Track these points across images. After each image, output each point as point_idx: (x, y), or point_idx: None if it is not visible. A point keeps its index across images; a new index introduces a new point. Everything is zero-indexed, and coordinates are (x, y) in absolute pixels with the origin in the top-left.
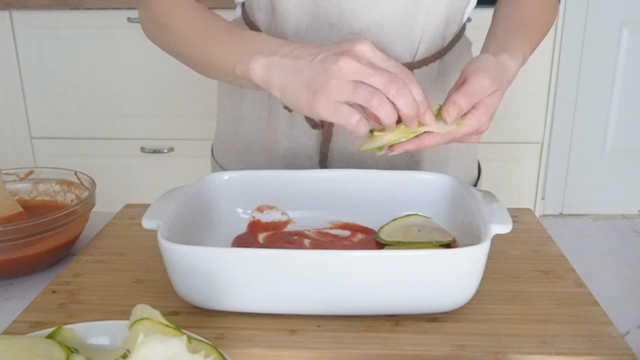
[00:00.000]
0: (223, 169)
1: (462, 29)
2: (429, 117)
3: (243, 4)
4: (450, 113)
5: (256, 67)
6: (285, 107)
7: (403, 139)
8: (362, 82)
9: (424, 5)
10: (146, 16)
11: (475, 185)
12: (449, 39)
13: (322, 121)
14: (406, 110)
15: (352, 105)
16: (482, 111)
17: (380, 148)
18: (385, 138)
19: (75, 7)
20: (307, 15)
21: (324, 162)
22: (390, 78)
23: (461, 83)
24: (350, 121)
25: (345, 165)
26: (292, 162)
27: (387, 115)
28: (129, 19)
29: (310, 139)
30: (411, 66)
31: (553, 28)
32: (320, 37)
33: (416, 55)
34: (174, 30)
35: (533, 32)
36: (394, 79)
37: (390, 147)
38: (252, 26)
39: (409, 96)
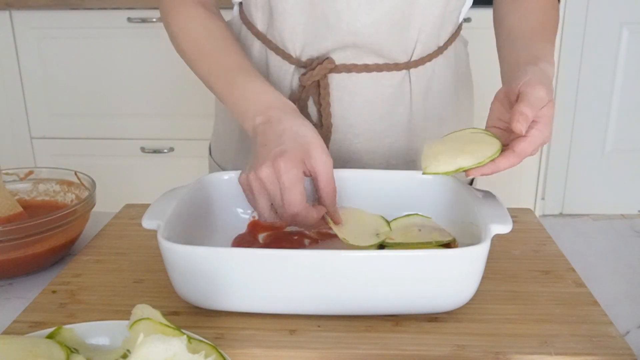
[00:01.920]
0: (221, 167)
1: (458, 28)
2: (335, 218)
3: (241, 3)
4: (522, 124)
5: (248, 128)
6: None
7: (476, 164)
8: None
9: (420, 5)
10: (165, 18)
11: (470, 184)
12: (444, 38)
13: (320, 120)
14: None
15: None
16: (544, 124)
17: (447, 173)
18: (458, 162)
19: (75, 7)
20: (304, 16)
21: None
22: (294, 210)
23: (515, 98)
24: (259, 201)
25: (342, 165)
26: None
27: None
28: (129, 19)
29: None
30: (407, 66)
31: None
32: (319, 36)
33: (412, 55)
34: (185, 52)
35: (552, 35)
36: (294, 212)
37: (467, 171)
38: (250, 26)
39: (309, 213)
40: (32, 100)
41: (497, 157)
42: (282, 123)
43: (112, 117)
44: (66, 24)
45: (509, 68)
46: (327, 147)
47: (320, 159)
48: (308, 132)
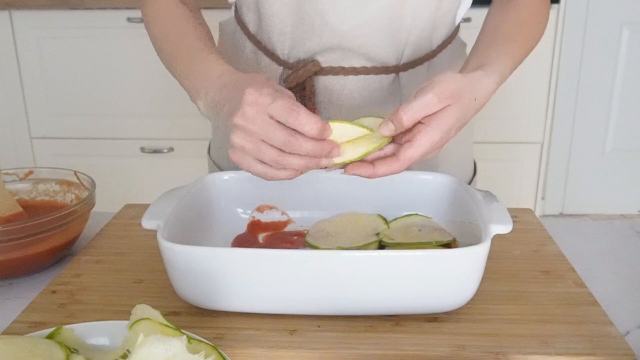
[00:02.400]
0: (219, 167)
1: (455, 31)
2: (336, 152)
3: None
4: (385, 127)
5: (200, 105)
6: None
7: (358, 156)
8: (263, 141)
9: (409, 7)
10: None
11: (469, 184)
12: (437, 41)
13: None
14: (312, 156)
15: None
16: (433, 126)
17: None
18: (347, 154)
19: (75, 7)
20: (291, 17)
21: None
22: (283, 138)
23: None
24: (252, 169)
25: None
26: None
27: (297, 168)
28: (129, 19)
29: None
30: (397, 69)
31: (553, 28)
32: (305, 38)
33: (402, 58)
34: (154, 40)
35: (517, 46)
36: (287, 138)
37: (345, 166)
38: (243, 26)
39: (306, 145)
40: (32, 100)
41: (379, 160)
42: (237, 83)
43: (112, 117)
44: (66, 24)
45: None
46: None
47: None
48: (257, 76)
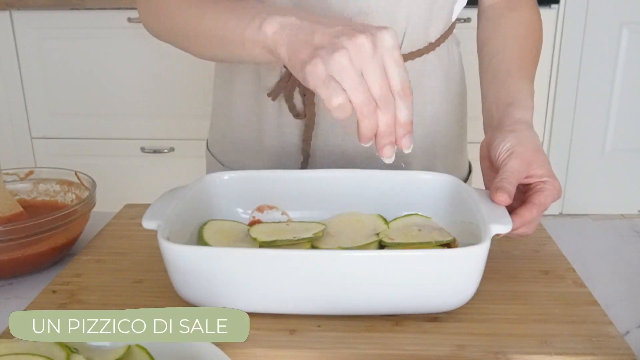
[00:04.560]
0: (217, 160)
1: (451, 27)
2: (405, 142)
3: None
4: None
5: (269, 27)
6: (269, 95)
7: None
8: (362, 76)
9: None
10: (143, 4)
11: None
12: (435, 35)
13: (304, 111)
14: (384, 129)
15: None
16: (537, 210)
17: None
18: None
19: (75, 7)
20: (291, 3)
21: (306, 150)
22: (386, 94)
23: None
24: (332, 100)
25: (328, 157)
26: (279, 152)
27: (366, 126)
28: (129, 19)
29: (295, 127)
30: None
31: (552, 28)
32: None
33: (401, 48)
34: (170, 6)
35: (531, 65)
36: (389, 99)
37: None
38: None
39: (391, 117)
40: (32, 100)
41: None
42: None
43: (112, 117)
44: (66, 24)
45: (488, 109)
46: (310, 137)
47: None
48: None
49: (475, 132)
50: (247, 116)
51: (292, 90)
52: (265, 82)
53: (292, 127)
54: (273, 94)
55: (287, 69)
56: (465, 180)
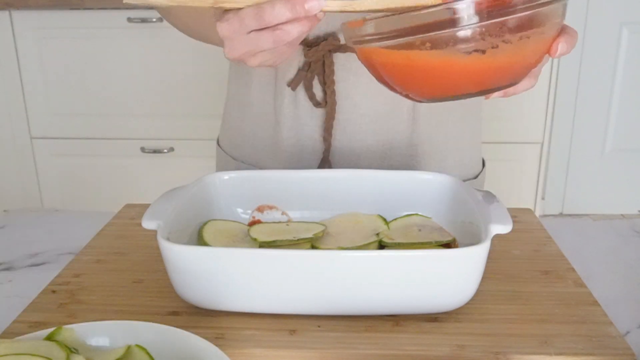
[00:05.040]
0: (229, 155)
1: None
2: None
3: None
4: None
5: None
6: (289, 84)
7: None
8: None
9: None
10: None
11: (477, 177)
12: None
13: (325, 99)
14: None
15: None
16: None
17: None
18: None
19: (75, 7)
20: None
21: (327, 140)
22: (259, 18)
23: None
24: (251, 61)
25: (347, 144)
26: (295, 144)
27: (298, 33)
28: (129, 19)
29: (312, 118)
30: None
31: None
32: (325, 17)
33: None
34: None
35: None
36: (259, 14)
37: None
38: None
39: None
40: (32, 100)
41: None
42: None
43: (112, 117)
44: (66, 24)
45: None
46: (332, 126)
47: None
48: None
49: (491, 133)
50: (263, 108)
51: (312, 80)
52: (283, 72)
53: (310, 119)
54: (293, 84)
55: (307, 52)
56: (477, 176)
